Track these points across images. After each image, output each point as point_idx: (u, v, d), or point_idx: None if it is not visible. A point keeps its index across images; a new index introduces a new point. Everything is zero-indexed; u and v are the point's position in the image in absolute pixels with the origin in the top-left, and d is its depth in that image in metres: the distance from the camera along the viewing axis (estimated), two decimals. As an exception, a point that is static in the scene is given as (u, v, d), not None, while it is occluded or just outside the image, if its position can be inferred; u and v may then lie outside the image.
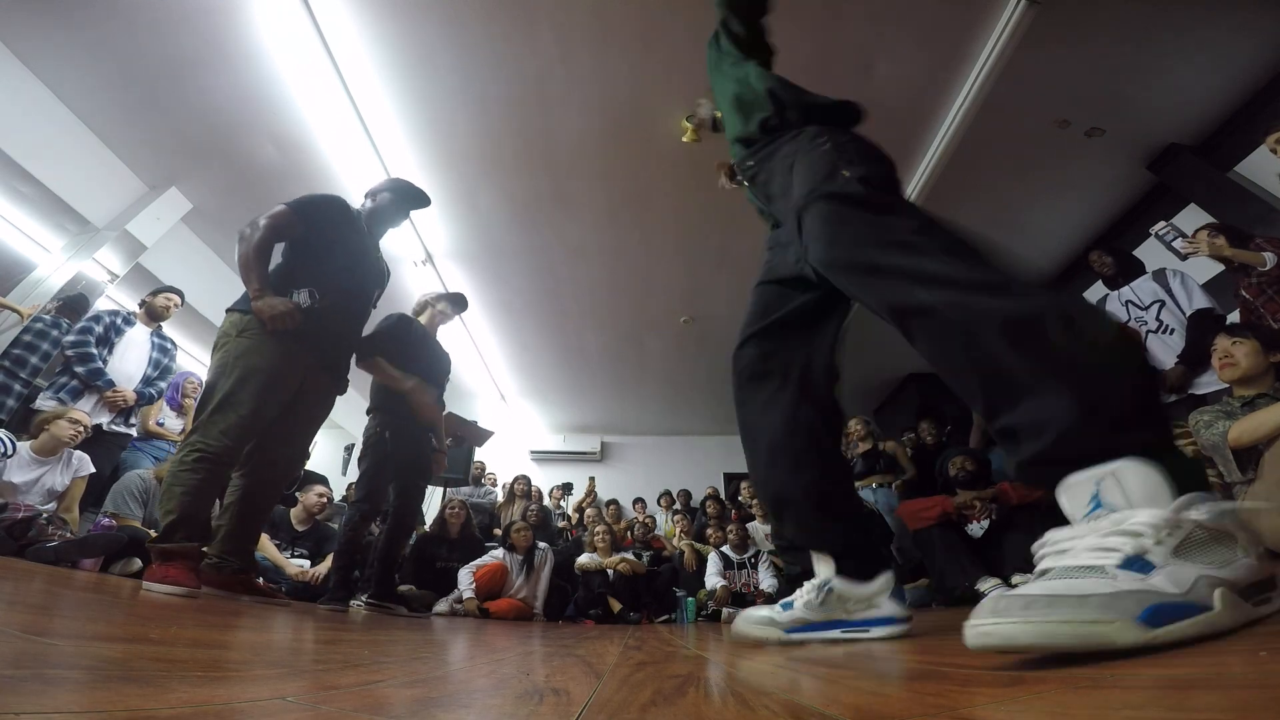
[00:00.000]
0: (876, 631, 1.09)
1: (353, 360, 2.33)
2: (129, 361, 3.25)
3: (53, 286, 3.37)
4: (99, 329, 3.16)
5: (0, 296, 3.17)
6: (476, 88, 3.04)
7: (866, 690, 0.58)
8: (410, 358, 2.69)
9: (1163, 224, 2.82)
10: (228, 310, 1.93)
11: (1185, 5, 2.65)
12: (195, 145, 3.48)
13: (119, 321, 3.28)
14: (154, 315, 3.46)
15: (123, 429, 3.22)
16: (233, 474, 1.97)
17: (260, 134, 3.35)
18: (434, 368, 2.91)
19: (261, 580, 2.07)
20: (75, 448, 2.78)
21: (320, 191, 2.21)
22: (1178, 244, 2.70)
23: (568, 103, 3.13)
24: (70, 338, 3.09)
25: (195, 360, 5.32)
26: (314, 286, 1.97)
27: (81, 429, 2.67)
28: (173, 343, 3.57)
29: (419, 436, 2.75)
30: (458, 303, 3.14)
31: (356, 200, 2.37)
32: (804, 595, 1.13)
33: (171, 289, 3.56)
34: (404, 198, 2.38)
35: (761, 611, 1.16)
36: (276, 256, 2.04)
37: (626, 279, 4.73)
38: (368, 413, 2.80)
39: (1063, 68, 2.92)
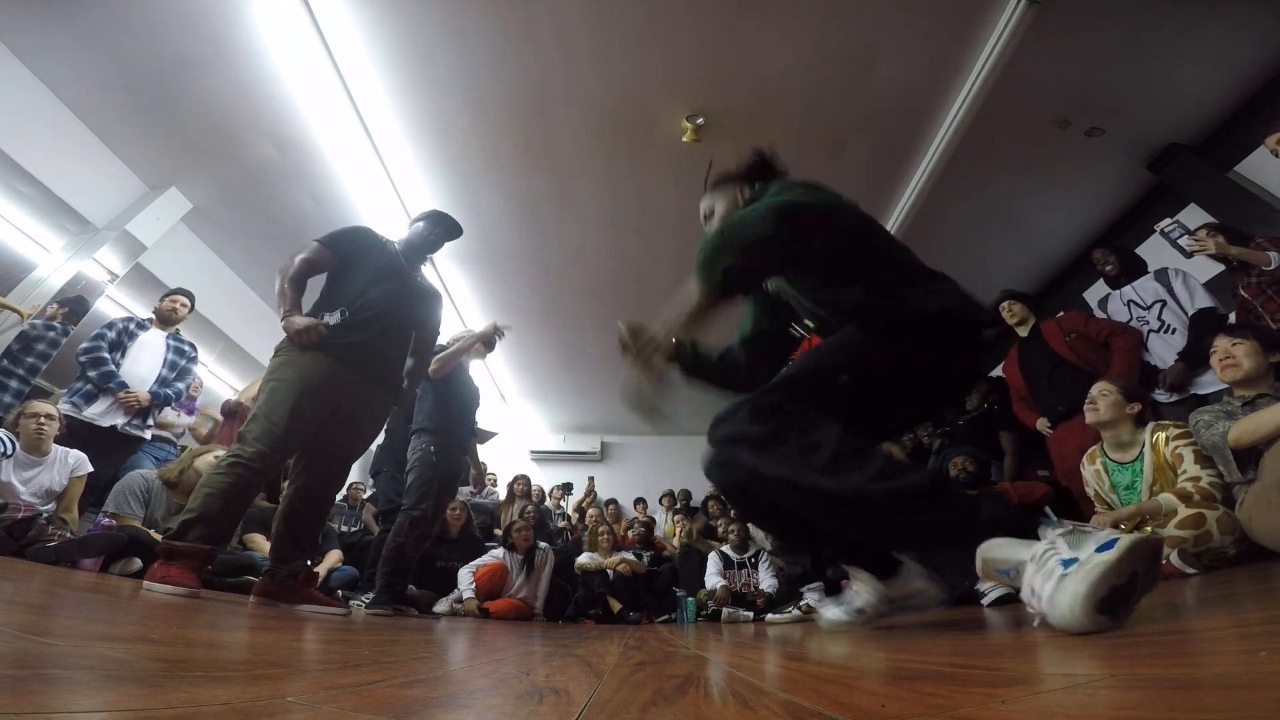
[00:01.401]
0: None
1: (406, 379, 2.44)
2: (141, 364, 3.25)
3: (53, 286, 3.37)
4: (111, 334, 3.19)
5: (0, 296, 3.17)
6: (476, 88, 3.04)
7: (866, 690, 0.58)
8: (455, 393, 3.14)
9: (1168, 221, 2.81)
10: None
11: (1185, 5, 2.65)
12: (195, 145, 3.48)
13: (132, 327, 3.30)
14: (163, 319, 3.45)
15: (137, 431, 3.22)
16: (285, 485, 2.10)
17: (260, 134, 3.35)
18: (474, 399, 3.34)
19: (265, 578, 2.05)
20: (78, 447, 2.77)
21: (322, 204, 2.28)
22: (1183, 241, 2.69)
23: (568, 103, 3.13)
24: (84, 344, 3.12)
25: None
26: (347, 306, 2.11)
27: (44, 419, 2.63)
28: (191, 345, 3.55)
29: (459, 457, 3.04)
30: (492, 343, 3.53)
31: (368, 222, 2.54)
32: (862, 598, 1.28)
33: (179, 291, 3.55)
34: (438, 225, 2.51)
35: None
36: (317, 291, 2.20)
37: (626, 279, 4.73)
38: (413, 433, 3.04)
39: (1063, 68, 2.92)
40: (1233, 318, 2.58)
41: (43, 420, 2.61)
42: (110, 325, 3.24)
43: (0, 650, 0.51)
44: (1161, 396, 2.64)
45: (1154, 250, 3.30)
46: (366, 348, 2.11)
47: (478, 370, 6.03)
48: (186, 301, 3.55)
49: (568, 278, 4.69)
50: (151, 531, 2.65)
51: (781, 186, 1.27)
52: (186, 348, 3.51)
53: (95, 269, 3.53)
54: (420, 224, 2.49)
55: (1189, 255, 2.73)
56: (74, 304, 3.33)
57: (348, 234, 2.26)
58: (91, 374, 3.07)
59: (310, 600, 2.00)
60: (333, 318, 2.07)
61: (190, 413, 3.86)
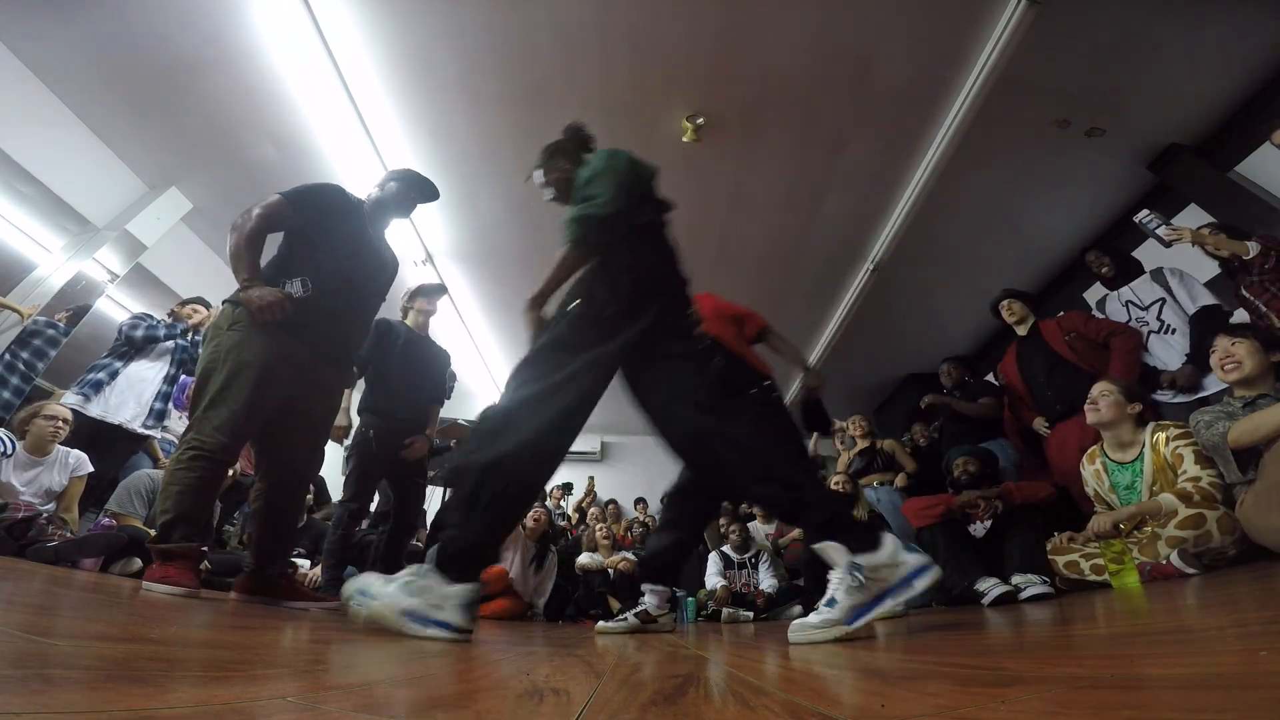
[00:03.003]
0: (919, 583, 1.17)
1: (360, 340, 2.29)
2: (149, 366, 3.28)
3: (53, 286, 3.37)
4: (160, 331, 3.29)
5: (0, 296, 3.17)
6: (476, 88, 3.04)
7: (866, 690, 0.58)
8: (395, 368, 2.77)
9: (1145, 212, 2.80)
10: (223, 302, 1.90)
11: (1185, 5, 2.65)
12: (195, 145, 3.48)
13: (166, 332, 3.36)
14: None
15: (147, 431, 3.22)
16: (255, 482, 1.97)
17: (260, 134, 3.35)
18: (428, 368, 2.97)
19: (249, 577, 2.04)
20: (77, 445, 2.78)
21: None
22: (1161, 231, 2.68)
23: (567, 103, 3.13)
24: (133, 321, 3.26)
25: (195, 360, 5.31)
26: (309, 275, 1.91)
27: (61, 423, 2.64)
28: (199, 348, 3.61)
29: (404, 437, 2.77)
30: (431, 293, 3.12)
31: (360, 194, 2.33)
32: (842, 585, 1.16)
33: (198, 300, 3.58)
34: (411, 188, 2.29)
35: (814, 618, 1.16)
36: (274, 249, 2.01)
37: (626, 279, 4.73)
38: (358, 414, 2.82)
39: (1063, 68, 2.92)
40: (1238, 316, 2.57)
41: (60, 424, 2.65)
42: (162, 325, 3.33)
43: (0, 650, 0.51)
44: (1165, 397, 2.63)
45: (1153, 250, 3.30)
46: (329, 327, 1.95)
47: (474, 364, 6.04)
48: (205, 311, 3.61)
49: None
50: (151, 531, 2.66)
51: (604, 154, 1.54)
52: (199, 339, 3.54)
53: (95, 269, 3.53)
54: (394, 184, 2.23)
55: (1167, 245, 2.71)
56: (78, 311, 3.35)
57: (316, 192, 2.03)
58: (137, 334, 3.19)
59: (297, 596, 1.95)
60: (293, 287, 1.87)
61: (182, 407, 3.86)
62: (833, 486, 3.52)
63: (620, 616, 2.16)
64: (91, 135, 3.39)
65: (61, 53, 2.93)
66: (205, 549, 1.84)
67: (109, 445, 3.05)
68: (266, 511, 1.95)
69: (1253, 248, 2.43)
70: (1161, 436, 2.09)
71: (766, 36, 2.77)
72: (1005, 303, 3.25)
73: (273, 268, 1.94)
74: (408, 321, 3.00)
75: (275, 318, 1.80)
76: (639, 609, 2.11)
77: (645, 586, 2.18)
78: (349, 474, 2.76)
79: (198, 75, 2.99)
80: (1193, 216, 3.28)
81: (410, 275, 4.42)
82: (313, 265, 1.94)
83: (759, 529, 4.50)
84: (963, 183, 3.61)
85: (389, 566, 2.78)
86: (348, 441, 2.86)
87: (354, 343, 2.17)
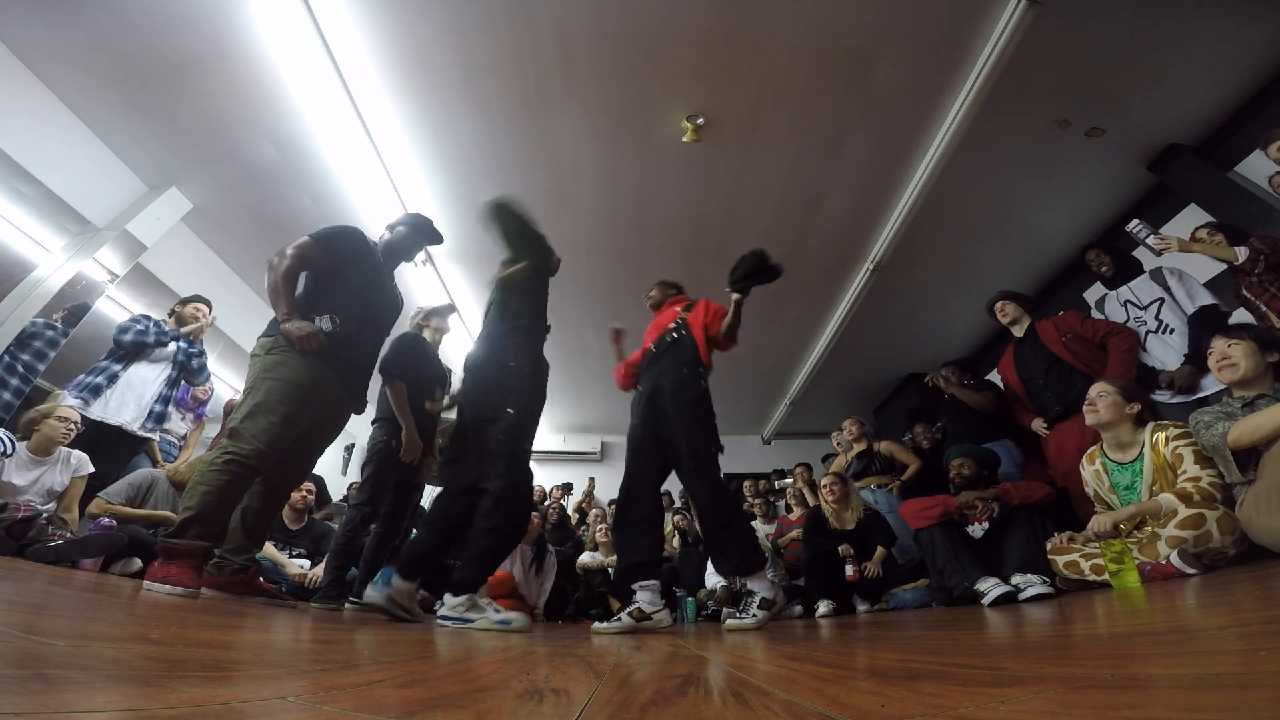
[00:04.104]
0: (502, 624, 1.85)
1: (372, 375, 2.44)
2: (149, 369, 3.28)
3: (53, 286, 3.37)
4: (150, 338, 3.25)
5: (0, 297, 3.17)
6: (476, 88, 3.04)
7: (866, 690, 0.58)
8: (423, 377, 2.97)
9: (1135, 221, 2.82)
10: (259, 338, 2.05)
11: (1185, 5, 2.65)
12: (195, 145, 3.48)
13: (165, 338, 3.35)
14: (182, 325, 3.49)
15: (147, 434, 3.21)
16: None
17: (260, 134, 3.35)
18: (437, 382, 3.20)
19: (261, 580, 2.08)
20: (78, 447, 2.78)
21: (326, 211, 2.29)
22: (1151, 240, 2.70)
23: (567, 102, 3.13)
24: (126, 326, 3.23)
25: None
26: (335, 313, 2.10)
27: (72, 425, 2.66)
28: (201, 350, 3.60)
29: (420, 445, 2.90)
30: (445, 312, 3.34)
31: (368, 222, 2.46)
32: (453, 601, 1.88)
33: (199, 298, 3.58)
34: (420, 233, 2.53)
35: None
36: (299, 285, 2.17)
37: (626, 279, 4.73)
38: (373, 422, 2.92)
39: (1063, 68, 2.92)
40: (1239, 316, 2.57)
41: (71, 426, 2.69)
42: (157, 330, 3.30)
43: (0, 650, 0.51)
44: (1164, 397, 2.63)
45: (1150, 251, 3.31)
46: (352, 358, 2.14)
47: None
48: (208, 310, 3.61)
49: (567, 277, 4.67)
50: (126, 508, 2.78)
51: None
52: (194, 349, 3.54)
53: (95, 269, 3.52)
54: (402, 228, 2.50)
55: (1158, 254, 2.74)
56: (76, 310, 3.35)
57: (342, 235, 2.23)
58: (126, 339, 3.16)
59: (260, 593, 2.06)
60: (323, 322, 2.07)
61: (198, 417, 3.86)
62: (823, 485, 3.51)
63: (615, 617, 2.16)
64: (91, 135, 3.39)
65: (62, 52, 2.92)
66: (214, 550, 1.88)
67: (110, 447, 3.05)
68: (248, 510, 2.06)
69: (1241, 253, 2.43)
70: (1161, 436, 2.09)
71: (767, 36, 2.77)
72: (999, 304, 3.25)
73: (300, 304, 2.10)
74: (425, 336, 3.19)
75: (312, 348, 1.98)
76: (632, 608, 2.12)
77: (634, 585, 2.20)
78: (366, 478, 2.84)
79: (198, 74, 2.99)
80: (1192, 216, 3.28)
81: (410, 275, 4.42)
82: (337, 303, 2.13)
83: (759, 529, 4.50)
84: (963, 183, 3.61)
85: (372, 568, 2.82)
86: (358, 445, 2.92)
87: (370, 374, 2.35)
